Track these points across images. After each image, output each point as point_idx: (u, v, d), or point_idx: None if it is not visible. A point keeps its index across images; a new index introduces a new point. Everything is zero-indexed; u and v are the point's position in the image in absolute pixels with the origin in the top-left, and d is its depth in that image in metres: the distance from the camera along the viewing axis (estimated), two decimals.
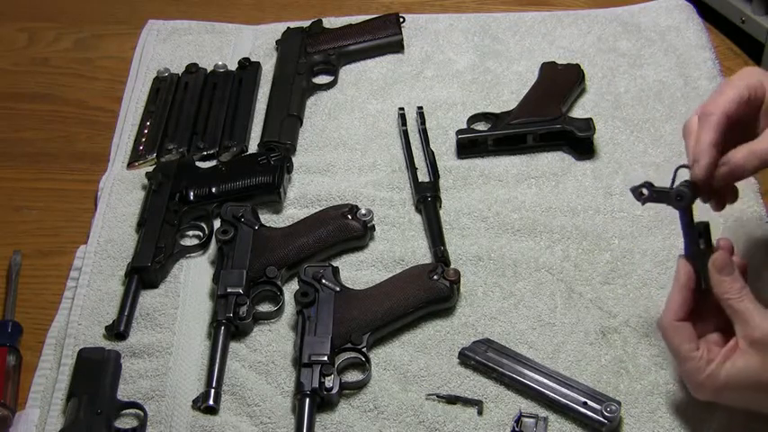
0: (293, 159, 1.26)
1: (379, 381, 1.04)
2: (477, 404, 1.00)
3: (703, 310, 0.93)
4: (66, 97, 1.43)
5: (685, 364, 0.91)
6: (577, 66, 1.33)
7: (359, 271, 1.14)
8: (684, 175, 0.93)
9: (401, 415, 1.01)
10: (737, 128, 0.95)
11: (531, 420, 0.97)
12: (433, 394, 1.02)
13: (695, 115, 0.96)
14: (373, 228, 1.17)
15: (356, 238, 1.16)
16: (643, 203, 0.95)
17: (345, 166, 1.26)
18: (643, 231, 1.15)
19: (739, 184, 1.00)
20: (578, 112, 1.30)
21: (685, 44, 1.38)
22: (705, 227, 0.94)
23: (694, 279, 0.92)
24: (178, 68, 1.41)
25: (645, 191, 0.94)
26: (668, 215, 1.10)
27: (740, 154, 0.92)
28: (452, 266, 1.11)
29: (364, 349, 1.04)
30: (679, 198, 0.92)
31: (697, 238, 0.93)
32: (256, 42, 1.46)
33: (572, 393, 0.99)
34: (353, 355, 1.04)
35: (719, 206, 0.99)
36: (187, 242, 1.19)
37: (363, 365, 1.04)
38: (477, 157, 1.25)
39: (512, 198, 1.20)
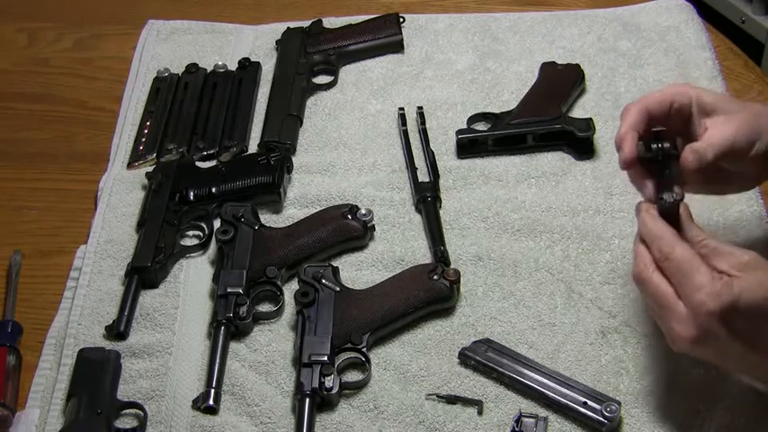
0: (293, 159, 1.26)
1: (379, 381, 1.04)
2: (477, 404, 1.00)
3: None
4: (67, 97, 1.43)
5: (693, 277, 0.84)
6: (577, 66, 1.33)
7: (359, 271, 1.14)
8: None
9: (401, 415, 1.00)
10: None
11: (531, 420, 0.97)
12: (432, 394, 1.02)
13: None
14: (373, 228, 1.17)
15: (356, 238, 1.16)
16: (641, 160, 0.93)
17: (345, 166, 1.26)
18: None
19: None
20: (578, 112, 1.30)
21: (685, 44, 1.38)
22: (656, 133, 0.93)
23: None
24: (178, 68, 1.40)
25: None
26: None
27: (699, 144, 0.91)
28: (452, 266, 1.11)
29: (364, 349, 1.04)
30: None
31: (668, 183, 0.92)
32: (256, 42, 1.46)
33: (572, 393, 0.99)
34: (353, 355, 1.04)
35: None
36: (187, 242, 1.19)
37: (363, 365, 1.04)
38: (477, 157, 1.25)
39: (512, 198, 1.20)
